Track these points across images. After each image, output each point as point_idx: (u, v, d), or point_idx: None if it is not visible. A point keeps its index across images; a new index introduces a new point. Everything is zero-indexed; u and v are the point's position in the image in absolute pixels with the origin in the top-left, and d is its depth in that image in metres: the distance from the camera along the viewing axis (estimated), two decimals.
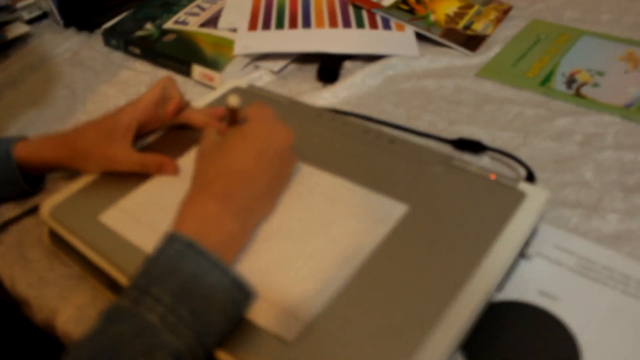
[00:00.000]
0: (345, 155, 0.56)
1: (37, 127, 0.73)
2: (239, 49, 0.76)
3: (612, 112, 0.66)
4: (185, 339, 0.35)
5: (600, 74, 0.72)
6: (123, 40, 0.86)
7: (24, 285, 0.53)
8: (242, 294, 0.39)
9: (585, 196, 0.56)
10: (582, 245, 0.51)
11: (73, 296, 0.51)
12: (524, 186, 0.50)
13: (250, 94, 0.66)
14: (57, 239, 0.54)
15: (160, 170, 0.55)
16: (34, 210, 0.60)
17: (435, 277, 0.43)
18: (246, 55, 0.77)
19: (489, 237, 0.46)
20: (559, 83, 0.71)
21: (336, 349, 0.39)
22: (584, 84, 0.71)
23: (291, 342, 0.40)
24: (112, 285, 0.49)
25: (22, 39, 0.92)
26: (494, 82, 0.73)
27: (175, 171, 0.55)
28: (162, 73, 0.81)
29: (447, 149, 0.62)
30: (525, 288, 0.47)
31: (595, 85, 0.70)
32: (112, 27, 0.89)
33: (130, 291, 0.37)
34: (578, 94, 0.69)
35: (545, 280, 0.48)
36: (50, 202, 0.54)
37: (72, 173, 0.63)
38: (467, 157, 0.61)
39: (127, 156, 0.55)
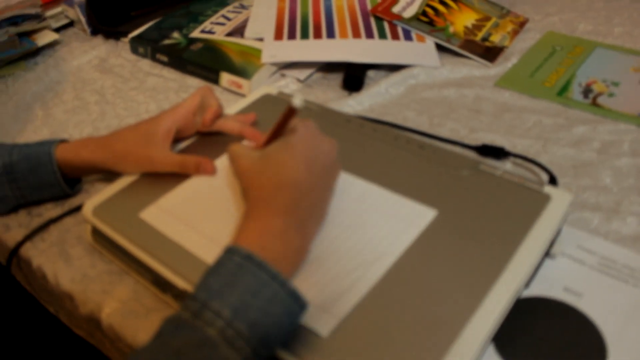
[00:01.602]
0: (376, 160, 0.58)
1: (70, 131, 0.76)
2: (266, 57, 0.79)
3: (627, 120, 0.69)
4: (243, 352, 0.36)
5: (615, 84, 0.75)
6: (151, 48, 0.89)
7: (67, 280, 0.56)
8: (298, 305, 0.40)
9: (604, 200, 0.59)
10: (604, 246, 0.53)
11: (116, 291, 0.53)
12: (548, 189, 0.53)
13: (281, 101, 0.69)
14: (99, 237, 0.57)
15: (198, 170, 0.58)
16: (74, 210, 0.62)
17: (466, 275, 0.46)
18: (273, 64, 0.80)
19: (517, 238, 0.49)
20: (576, 93, 0.74)
21: (370, 343, 0.41)
22: (600, 94, 0.74)
23: (326, 337, 0.42)
24: (154, 280, 0.52)
25: (50, 46, 0.96)
26: (512, 92, 0.76)
27: (212, 171, 0.58)
28: (189, 80, 0.85)
29: (472, 155, 0.65)
30: (550, 285, 0.50)
31: (611, 95, 0.73)
32: (139, 36, 0.92)
33: (190, 303, 0.38)
34: (595, 104, 0.72)
35: (569, 278, 0.51)
36: (92, 201, 0.57)
37: (108, 175, 0.66)
38: (490, 163, 0.64)
39: (166, 157, 0.58)
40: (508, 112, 0.73)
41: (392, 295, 0.45)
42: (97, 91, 0.84)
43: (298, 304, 0.40)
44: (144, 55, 0.91)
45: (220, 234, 0.51)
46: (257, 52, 0.82)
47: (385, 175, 0.56)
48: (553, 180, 0.59)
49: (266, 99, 0.70)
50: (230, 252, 0.41)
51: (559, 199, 0.52)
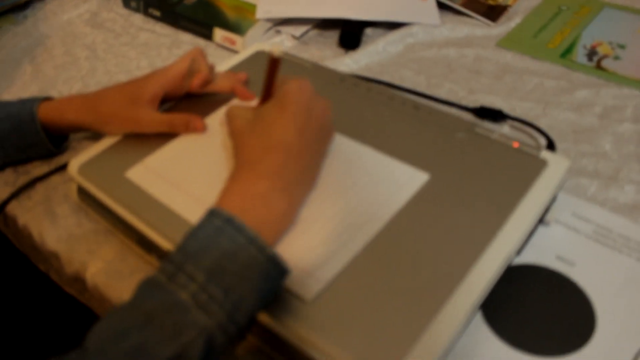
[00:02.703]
0: (369, 121, 0.56)
1: (59, 87, 0.74)
2: (261, 13, 0.76)
3: (631, 85, 0.66)
4: (216, 317, 0.35)
5: (622, 46, 0.72)
6: (143, 3, 0.86)
7: (53, 240, 0.55)
8: (277, 270, 0.39)
9: (603, 167, 0.57)
10: (600, 214, 0.52)
11: (102, 250, 0.53)
12: (545, 154, 0.51)
13: None
14: (85, 196, 0.55)
15: (187, 128, 0.56)
16: (60, 168, 0.61)
17: (457, 240, 0.44)
18: (268, 20, 0.77)
19: (510, 203, 0.47)
20: (580, 55, 0.71)
21: (355, 308, 0.40)
22: (605, 56, 0.71)
23: (310, 300, 0.41)
24: (139, 240, 0.50)
25: (39, 0, 0.93)
26: (514, 53, 0.73)
27: (202, 128, 0.56)
28: (182, 36, 0.82)
29: (468, 117, 0.63)
30: (543, 253, 0.49)
31: (617, 58, 0.70)
32: None
33: (166, 266, 0.37)
34: (599, 67, 0.69)
35: (562, 246, 0.49)
36: (78, 159, 0.56)
37: (96, 133, 0.64)
38: (488, 126, 0.62)
39: (153, 117, 0.56)
40: (509, 73, 0.70)
41: (380, 259, 0.43)
42: (88, 46, 0.82)
43: (278, 269, 0.39)
44: (136, 10, 0.87)
45: (207, 194, 0.50)
46: (252, 8, 0.78)
47: (377, 136, 0.54)
48: (551, 145, 0.57)
49: (259, 56, 0.67)
50: (211, 215, 0.40)
51: (555, 165, 0.50)
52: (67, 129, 0.59)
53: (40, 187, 0.60)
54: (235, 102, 0.60)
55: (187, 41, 0.80)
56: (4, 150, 0.59)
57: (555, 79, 0.68)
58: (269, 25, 0.77)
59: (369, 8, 0.77)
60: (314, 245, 0.45)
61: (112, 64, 0.78)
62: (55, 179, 0.61)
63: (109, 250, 0.52)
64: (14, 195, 0.59)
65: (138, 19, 0.87)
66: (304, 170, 0.46)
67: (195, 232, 0.39)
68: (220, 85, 0.60)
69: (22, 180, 0.60)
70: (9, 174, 0.62)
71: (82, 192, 0.55)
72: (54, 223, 0.56)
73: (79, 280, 0.52)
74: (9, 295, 0.82)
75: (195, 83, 0.58)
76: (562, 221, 0.51)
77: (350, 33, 0.75)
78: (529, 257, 0.48)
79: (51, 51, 0.81)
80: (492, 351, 0.43)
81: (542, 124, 0.61)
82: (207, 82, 0.59)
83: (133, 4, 0.88)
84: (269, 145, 0.45)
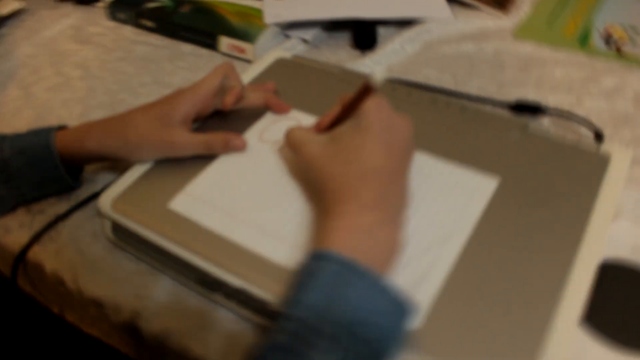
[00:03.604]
0: (420, 127, 0.53)
1: (58, 111, 0.67)
2: (270, 17, 0.71)
3: None
4: None
5: (633, 28, 0.72)
6: (134, 13, 0.79)
7: (92, 285, 0.49)
8: (408, 310, 0.35)
9: None
10: None
11: (152, 294, 0.47)
12: (607, 148, 0.49)
13: (297, 65, 0.63)
14: (122, 234, 0.49)
15: (227, 147, 0.51)
16: (83, 203, 0.55)
17: (546, 246, 0.42)
18: (276, 25, 0.72)
19: (587, 202, 0.45)
20: (597, 41, 0.70)
21: (465, 329, 0.37)
22: (621, 41, 0.70)
23: (418, 328, 0.38)
24: (199, 279, 0.45)
25: (15, 16, 0.84)
26: (532, 43, 0.72)
27: (243, 146, 0.52)
28: (182, 47, 0.76)
29: (504, 113, 0.61)
30: (617, 247, 0.47)
31: (633, 42, 0.70)
32: (118, 0, 0.82)
33: (290, 325, 0.33)
34: (619, 52, 0.69)
35: (634, 238, 0.48)
36: (109, 193, 0.50)
37: (111, 164, 0.58)
38: (526, 120, 0.60)
39: (189, 139, 0.51)
40: (532, 65, 0.68)
41: (475, 274, 0.41)
42: (79, 65, 0.75)
43: (408, 309, 0.35)
44: (125, 21, 0.81)
45: (265, 219, 0.46)
46: (257, 12, 0.73)
47: (434, 143, 0.51)
48: (599, 137, 0.56)
49: (280, 64, 0.63)
50: (322, 259, 0.36)
51: (619, 157, 0.49)
52: (86, 159, 0.53)
53: (62, 227, 0.54)
54: (285, 121, 0.55)
55: (189, 52, 0.75)
56: (19, 190, 0.53)
57: (579, 67, 0.67)
58: (277, 30, 0.73)
59: (380, 6, 0.74)
60: (402, 266, 0.41)
61: (110, 81, 0.71)
62: (78, 216, 0.54)
63: (162, 293, 0.47)
64: (36, 237, 0.52)
65: (128, 31, 0.80)
66: (400, 193, 0.42)
67: (312, 282, 0.34)
68: (252, 99, 0.55)
69: (39, 220, 0.54)
70: (22, 215, 0.55)
71: (119, 230, 0.49)
72: (89, 266, 0.50)
73: (133, 330, 0.47)
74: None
75: (229, 101, 0.53)
76: (627, 212, 0.50)
77: (366, 33, 0.71)
78: (606, 254, 0.47)
79: (39, 72, 0.74)
80: (594, 355, 0.41)
81: (578, 114, 0.60)
82: (240, 98, 0.54)
83: (121, 16, 0.81)
84: (362, 173, 0.40)
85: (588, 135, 0.57)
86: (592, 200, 0.45)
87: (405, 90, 0.57)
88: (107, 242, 0.51)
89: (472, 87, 0.65)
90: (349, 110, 0.45)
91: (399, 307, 0.35)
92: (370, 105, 0.43)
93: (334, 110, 0.48)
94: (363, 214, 0.38)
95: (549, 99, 0.63)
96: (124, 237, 0.50)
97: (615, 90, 0.63)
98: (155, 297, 0.47)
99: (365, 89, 0.43)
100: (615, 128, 0.59)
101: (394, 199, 0.41)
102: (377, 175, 0.40)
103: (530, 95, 0.63)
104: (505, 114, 0.61)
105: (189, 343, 0.44)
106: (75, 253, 0.51)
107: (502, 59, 0.69)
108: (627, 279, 0.45)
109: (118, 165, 0.58)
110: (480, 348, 0.37)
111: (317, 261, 0.36)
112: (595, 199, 0.45)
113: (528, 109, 0.60)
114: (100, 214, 0.50)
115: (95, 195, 0.55)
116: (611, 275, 0.45)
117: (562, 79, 0.66)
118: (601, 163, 0.48)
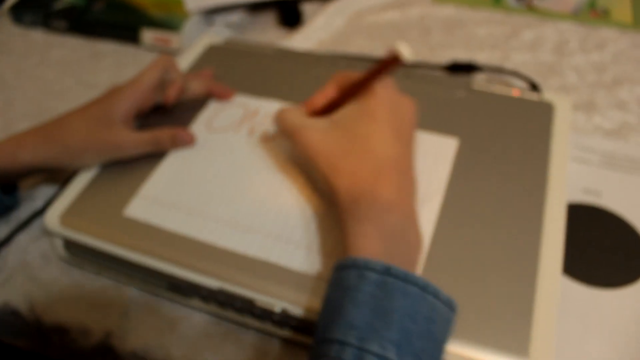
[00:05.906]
0: None
1: None
2: (191, 4, 0.66)
3: (566, 19, 0.67)
4: None
5: None
6: (42, 15, 0.70)
7: (51, 312, 0.43)
8: (454, 311, 0.33)
9: (578, 99, 0.57)
10: (599, 142, 0.52)
11: (121, 309, 0.42)
12: (547, 96, 0.49)
13: (229, 49, 0.58)
14: (77, 250, 0.44)
15: (175, 142, 0.47)
16: (25, 224, 0.48)
17: (516, 197, 0.42)
18: (199, 11, 0.67)
19: (543, 149, 0.45)
20: None
21: (457, 290, 0.36)
22: None
23: None
24: (171, 286, 0.41)
25: None
26: (451, 6, 0.71)
27: (192, 140, 0.47)
28: (102, 45, 0.69)
29: (440, 74, 0.60)
30: (570, 190, 0.48)
31: None
32: (22, 2, 0.72)
33: (338, 349, 0.29)
34: (531, 7, 0.69)
35: (584, 179, 0.49)
36: (55, 209, 0.44)
37: (49, 176, 0.52)
38: (463, 80, 0.59)
39: (134, 138, 0.45)
40: (456, 27, 0.68)
41: (457, 233, 0.40)
42: None
43: (454, 309, 0.32)
44: (33, 25, 0.72)
45: (230, 212, 0.42)
46: (177, 1, 0.67)
47: None
48: (534, 87, 0.56)
49: (213, 50, 0.58)
50: (357, 268, 0.32)
51: (561, 105, 0.49)
52: (20, 173, 0.46)
53: (5, 254, 0.47)
54: (233, 108, 0.51)
55: (111, 49, 0.68)
56: None
57: (499, 25, 0.67)
58: (200, 16, 0.67)
59: None
60: None
61: (31, 90, 0.63)
62: (21, 239, 0.48)
63: (131, 306, 0.42)
64: None
65: (39, 35, 0.71)
66: (412, 179, 0.38)
67: (352, 296, 0.30)
68: (193, 89, 0.50)
69: None
70: None
71: (73, 247, 0.44)
72: (46, 292, 0.44)
73: (102, 350, 0.42)
74: None
75: (171, 94, 0.48)
76: (572, 156, 0.51)
77: (290, 10, 0.68)
78: None
79: None
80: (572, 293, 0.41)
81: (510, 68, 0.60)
82: (182, 92, 0.49)
83: (28, 19, 0.72)
84: (377, 167, 0.36)
85: (523, 86, 0.57)
86: (547, 146, 0.45)
87: (346, 64, 0.54)
88: (61, 263, 0.46)
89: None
90: (356, 89, 0.39)
91: (448, 309, 0.32)
92: (377, 86, 0.38)
93: (327, 90, 0.42)
94: (386, 215, 0.34)
95: (478, 57, 0.62)
96: (79, 254, 0.44)
97: (536, 43, 0.64)
98: (125, 313, 0.42)
99: (392, 61, 0.37)
100: (544, 78, 0.59)
101: (409, 188, 0.37)
102: (391, 167, 0.36)
103: (460, 55, 0.63)
104: (443, 75, 0.60)
105: (170, 351, 0.39)
106: (26, 280, 0.45)
107: (427, 24, 0.68)
108: (591, 219, 0.45)
109: (57, 176, 0.52)
110: (472, 306, 0.35)
111: (350, 271, 0.32)
112: (550, 144, 0.46)
113: (463, 68, 0.60)
114: (48, 233, 0.44)
115: (38, 213, 0.49)
116: (574, 217, 0.45)
117: (486, 37, 0.66)
118: (546, 111, 0.48)
